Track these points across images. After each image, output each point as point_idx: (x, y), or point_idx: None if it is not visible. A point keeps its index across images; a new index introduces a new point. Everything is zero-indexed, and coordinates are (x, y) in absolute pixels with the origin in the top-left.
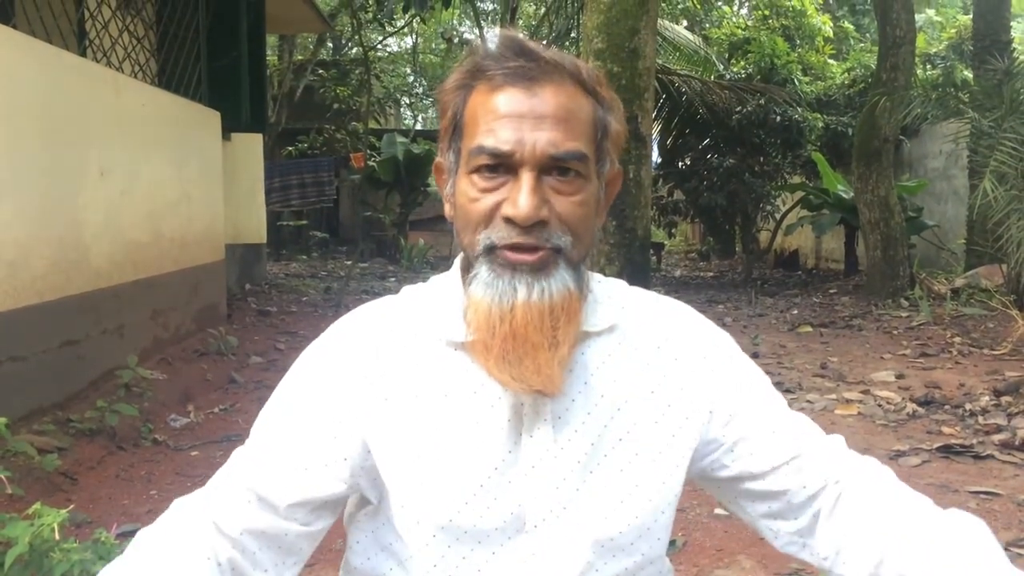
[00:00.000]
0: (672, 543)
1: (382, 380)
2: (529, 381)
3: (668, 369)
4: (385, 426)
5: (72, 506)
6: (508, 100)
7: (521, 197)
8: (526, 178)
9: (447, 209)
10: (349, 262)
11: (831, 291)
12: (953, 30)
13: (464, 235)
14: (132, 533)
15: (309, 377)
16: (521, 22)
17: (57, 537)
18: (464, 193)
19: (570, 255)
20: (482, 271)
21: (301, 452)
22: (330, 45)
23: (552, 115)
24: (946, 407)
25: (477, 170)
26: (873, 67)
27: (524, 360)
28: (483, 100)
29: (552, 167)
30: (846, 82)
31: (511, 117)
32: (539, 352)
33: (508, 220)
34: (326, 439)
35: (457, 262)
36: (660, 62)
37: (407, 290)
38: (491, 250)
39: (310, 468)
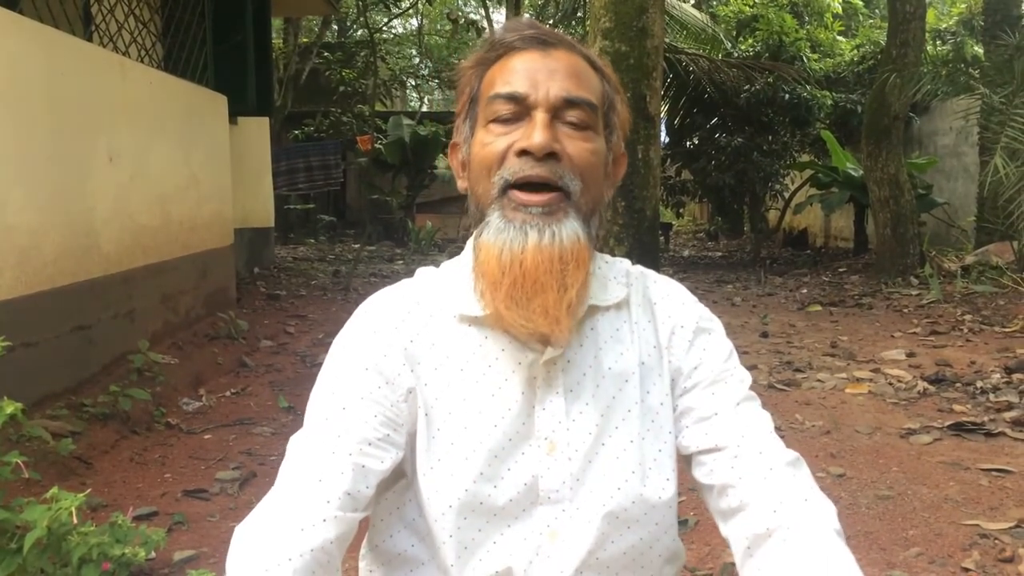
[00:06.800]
0: (684, 522)
1: (406, 354)
2: (537, 323)
3: (651, 338)
4: (416, 396)
5: (88, 490)
6: (524, 59)
7: (536, 130)
8: (540, 116)
9: (460, 184)
10: (357, 245)
11: (840, 270)
12: (963, 5)
13: (479, 184)
14: (147, 516)
15: (349, 353)
16: (527, 1)
17: (75, 521)
18: (479, 142)
19: (579, 203)
20: (493, 218)
21: (372, 401)
22: (335, 27)
23: (565, 70)
24: (957, 385)
25: (494, 119)
26: (882, 43)
27: (533, 300)
28: (500, 67)
29: (564, 115)
30: (855, 59)
31: (526, 70)
32: (548, 293)
33: (522, 153)
34: (384, 385)
35: (470, 243)
36: (668, 41)
37: (422, 271)
38: (504, 191)
39: (388, 416)
